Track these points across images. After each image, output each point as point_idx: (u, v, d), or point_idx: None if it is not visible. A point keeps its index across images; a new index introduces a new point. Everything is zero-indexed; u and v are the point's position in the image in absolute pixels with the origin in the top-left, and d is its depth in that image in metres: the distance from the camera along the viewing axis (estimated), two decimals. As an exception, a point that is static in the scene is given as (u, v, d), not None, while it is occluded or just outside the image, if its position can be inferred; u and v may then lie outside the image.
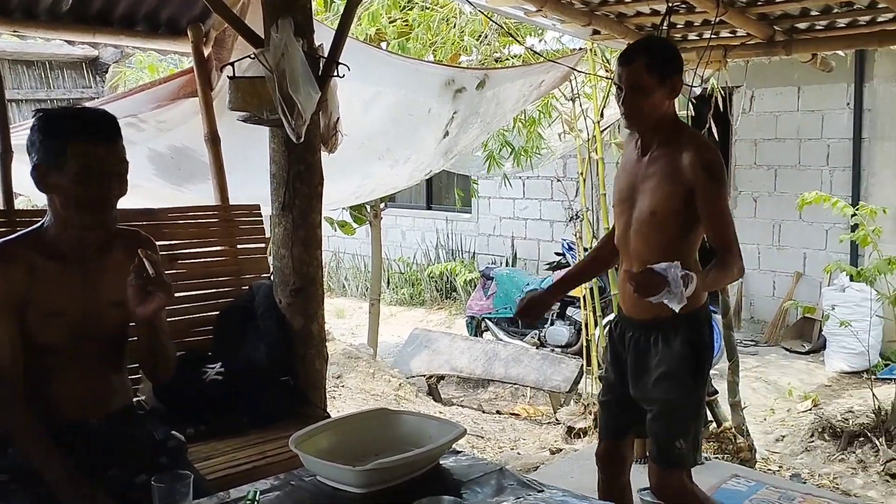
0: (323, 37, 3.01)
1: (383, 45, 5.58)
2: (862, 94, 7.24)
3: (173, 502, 1.60)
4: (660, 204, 2.47)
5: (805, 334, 7.61)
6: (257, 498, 1.80)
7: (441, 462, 2.07)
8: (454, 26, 5.13)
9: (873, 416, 4.67)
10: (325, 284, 12.03)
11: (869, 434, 4.58)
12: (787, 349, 7.57)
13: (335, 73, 2.96)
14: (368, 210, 6.92)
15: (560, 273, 7.53)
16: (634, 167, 2.55)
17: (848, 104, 7.30)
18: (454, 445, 2.10)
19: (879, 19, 3.32)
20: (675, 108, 2.51)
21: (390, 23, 5.45)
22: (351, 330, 8.88)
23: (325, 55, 2.97)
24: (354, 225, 7.17)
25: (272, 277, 3.13)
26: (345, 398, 5.78)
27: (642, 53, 2.46)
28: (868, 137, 7.24)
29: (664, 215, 2.46)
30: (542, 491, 1.93)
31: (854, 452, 4.54)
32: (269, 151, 3.01)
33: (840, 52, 5.44)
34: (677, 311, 2.26)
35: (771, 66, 7.58)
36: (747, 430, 4.63)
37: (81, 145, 1.92)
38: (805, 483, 4.18)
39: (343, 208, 6.79)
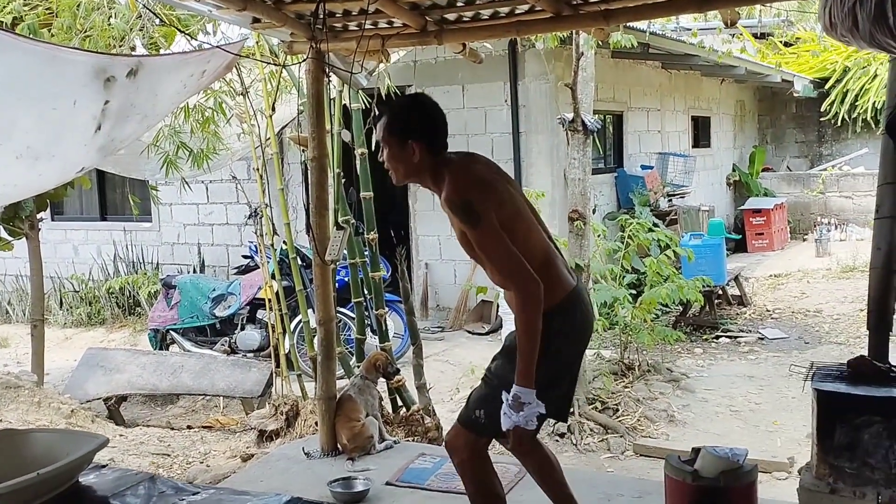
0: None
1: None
2: (517, 92, 7.94)
3: None
4: (464, 247, 2.53)
5: (485, 317, 8.18)
6: None
7: (81, 479, 1.84)
8: (104, 13, 4.68)
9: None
10: (-15, 310, 10.28)
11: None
12: (469, 332, 8.07)
13: (-64, 50, 2.52)
14: (24, 221, 6.15)
15: (249, 276, 7.31)
16: None
17: (506, 101, 7.97)
18: (97, 459, 1.88)
19: (517, 11, 3.59)
20: (430, 160, 2.51)
21: (30, 8, 4.84)
22: (16, 359, 7.92)
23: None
24: (9, 238, 6.35)
25: None
26: (3, 435, 5.07)
27: (386, 112, 2.56)
28: (525, 131, 7.97)
29: (472, 254, 2.53)
30: (198, 493, 1.81)
31: (528, 417, 4.90)
32: None
33: (487, 44, 5.91)
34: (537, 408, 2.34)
35: (438, 66, 8.07)
36: (434, 410, 4.82)
37: None
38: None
39: (-5, 222, 5.97)
